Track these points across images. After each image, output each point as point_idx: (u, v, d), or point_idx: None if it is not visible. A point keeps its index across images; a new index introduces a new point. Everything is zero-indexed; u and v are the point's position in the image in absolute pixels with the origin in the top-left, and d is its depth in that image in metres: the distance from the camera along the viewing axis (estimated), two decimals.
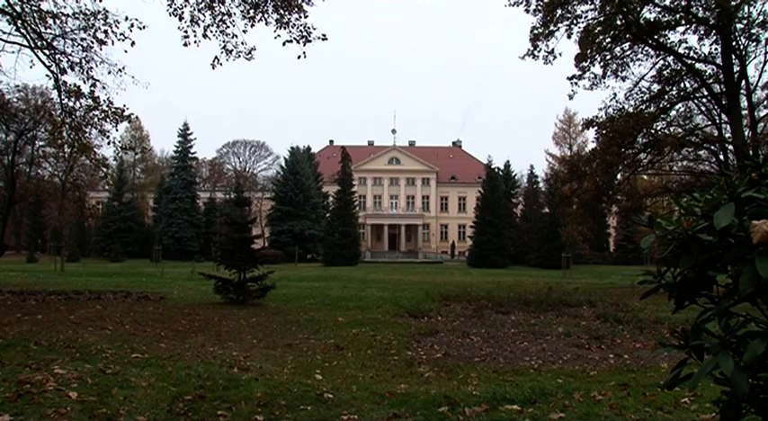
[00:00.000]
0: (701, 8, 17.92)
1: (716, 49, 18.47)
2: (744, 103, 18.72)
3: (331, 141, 73.50)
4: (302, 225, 47.72)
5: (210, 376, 4.95)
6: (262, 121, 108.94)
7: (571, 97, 19.73)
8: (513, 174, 54.21)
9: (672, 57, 19.23)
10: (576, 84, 19.43)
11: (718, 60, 18.31)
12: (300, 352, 6.79)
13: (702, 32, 18.51)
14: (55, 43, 11.88)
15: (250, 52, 11.47)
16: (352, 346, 7.20)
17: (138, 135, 53.05)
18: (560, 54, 18.66)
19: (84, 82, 12.01)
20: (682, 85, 19.74)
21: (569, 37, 18.62)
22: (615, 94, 20.45)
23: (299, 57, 10.88)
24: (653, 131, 19.41)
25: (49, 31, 11.77)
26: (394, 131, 68.40)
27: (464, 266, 42.97)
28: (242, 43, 11.41)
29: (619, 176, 21.11)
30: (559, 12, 17.98)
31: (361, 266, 40.73)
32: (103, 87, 12.08)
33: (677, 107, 20.39)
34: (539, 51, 18.57)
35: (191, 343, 7.14)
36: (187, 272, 23.92)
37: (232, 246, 12.81)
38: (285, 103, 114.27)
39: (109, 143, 12.72)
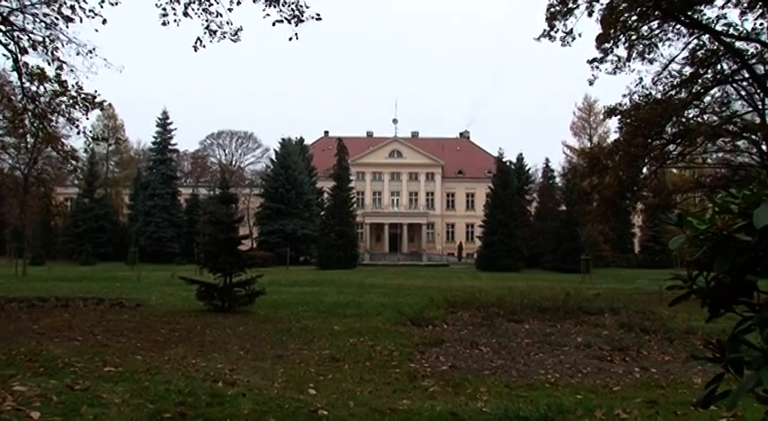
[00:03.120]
0: None
1: (761, 24, 17.78)
2: None
3: (326, 132, 73.47)
4: (294, 224, 47.73)
5: (192, 391, 4.93)
6: (250, 111, 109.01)
7: (591, 83, 19.65)
8: (527, 168, 54.18)
9: (708, 35, 18.69)
10: (596, 67, 19.31)
11: (764, 37, 17.81)
12: (292, 364, 6.78)
13: (746, 5, 17.84)
14: (12, 18, 11.49)
15: (236, 33, 11.38)
16: (349, 358, 7.18)
17: (111, 124, 52.90)
18: (579, 35, 18.51)
19: (49, 64, 11.69)
20: (718, 66, 19.23)
21: (590, 15, 18.42)
22: (641, 79, 20.00)
23: (290, 38, 10.79)
24: (684, 119, 19.17)
25: (4, 3, 11.38)
26: (395, 121, 68.42)
27: (472, 270, 42.96)
28: (227, 23, 11.31)
29: (645, 170, 21.01)
30: None
31: (359, 270, 40.71)
32: (71, 70, 11.74)
33: (712, 92, 19.97)
34: (555, 32, 18.47)
35: (170, 354, 7.13)
36: (167, 276, 23.91)
37: (217, 248, 12.78)
38: (276, 90, 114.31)
39: (78, 133, 12.45)
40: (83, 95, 11.80)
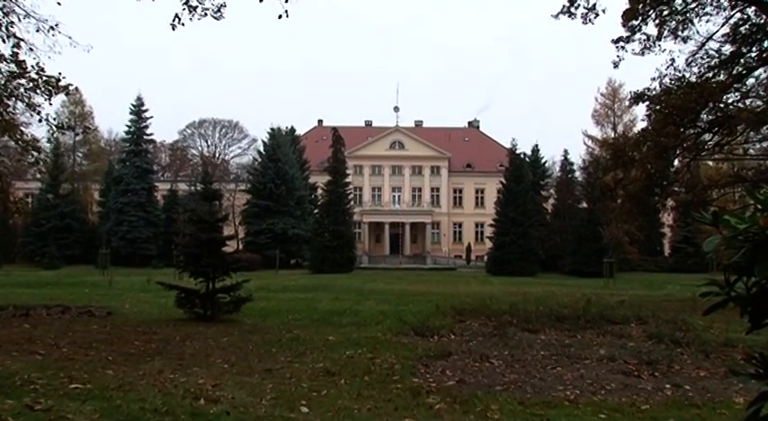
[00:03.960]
0: None
1: None
2: None
3: (320, 121, 73.44)
4: (284, 223, 47.75)
5: (170, 410, 4.92)
6: (235, 98, 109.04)
7: (616, 65, 19.53)
8: (543, 160, 54.18)
9: (753, 7, 18.22)
10: (622, 48, 19.19)
11: None
12: (282, 378, 6.78)
13: None
14: None
15: (219, 10, 11.31)
16: (345, 371, 7.18)
17: (78, 111, 52.72)
18: (603, 11, 18.31)
19: (4, 41, 11.38)
20: (765, 43, 18.78)
21: None
22: (673, 60, 19.67)
23: (279, 16, 10.76)
24: (722, 105, 18.85)
25: None
26: (397, 109, 68.48)
27: (482, 274, 42.98)
28: None
29: (676, 162, 20.93)
30: None
31: (357, 273, 40.73)
32: (31, 49, 11.45)
33: (757, 73, 19.47)
34: (576, 8, 18.38)
35: (146, 369, 7.12)
36: (142, 281, 23.90)
37: (198, 249, 12.77)
38: (264, 75, 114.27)
39: (40, 120, 12.15)
40: (45, 78, 11.55)
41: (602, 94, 50.81)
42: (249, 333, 10.46)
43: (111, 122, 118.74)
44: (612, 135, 44.78)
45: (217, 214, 14.11)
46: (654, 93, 19.18)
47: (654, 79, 19.53)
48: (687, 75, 19.23)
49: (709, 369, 7.72)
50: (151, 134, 51.77)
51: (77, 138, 53.53)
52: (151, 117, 50.69)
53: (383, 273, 42.52)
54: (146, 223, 47.80)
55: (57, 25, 11.43)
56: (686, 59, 19.44)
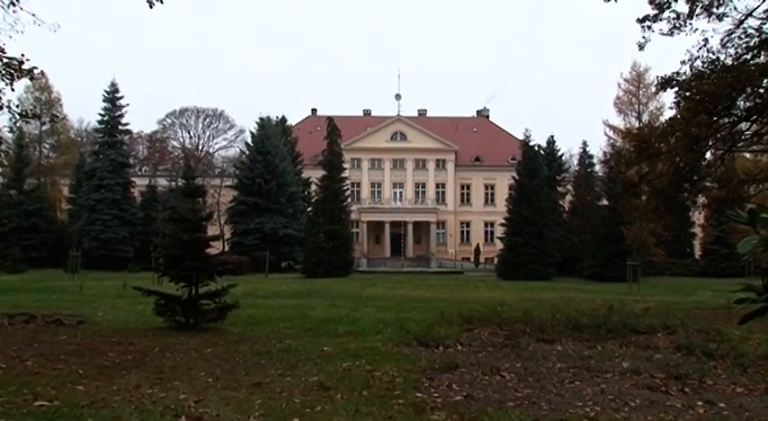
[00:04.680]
0: None
1: None
2: None
3: (314, 110, 73.47)
4: (275, 222, 47.77)
5: None
6: (220, 84, 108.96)
7: (642, 47, 19.38)
8: (560, 153, 54.20)
9: None
10: (649, 28, 19.04)
11: None
12: (272, 393, 6.76)
13: None
14: None
15: None
16: (341, 385, 7.17)
17: (45, 98, 52.64)
18: None
19: None
20: None
21: None
22: (706, 40, 19.34)
23: None
24: (762, 90, 18.59)
25: None
26: (398, 97, 68.59)
27: (492, 278, 42.98)
28: None
29: (708, 155, 20.86)
30: None
31: (355, 277, 40.74)
32: None
33: None
34: None
35: (121, 383, 7.10)
36: (117, 286, 23.89)
37: (179, 251, 12.76)
38: (252, 59, 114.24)
39: (1, 108, 12.22)
40: (5, 60, 11.46)
41: (625, 80, 50.74)
42: (236, 343, 10.44)
43: (82, 111, 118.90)
44: (637, 125, 44.69)
45: (200, 212, 14.09)
46: (684, 77, 19.02)
47: (684, 62, 19.30)
48: (722, 57, 18.92)
49: (747, 385, 7.67)
50: (127, 124, 51.78)
51: (44, 128, 53.29)
52: (127, 105, 50.75)
53: (383, 277, 42.50)
54: (121, 222, 47.81)
55: (18, 0, 11.33)
56: (721, 39, 19.08)
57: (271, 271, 42.23)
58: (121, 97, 50.28)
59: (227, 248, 50.49)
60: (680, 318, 13.83)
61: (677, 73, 19.15)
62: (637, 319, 13.12)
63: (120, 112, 50.37)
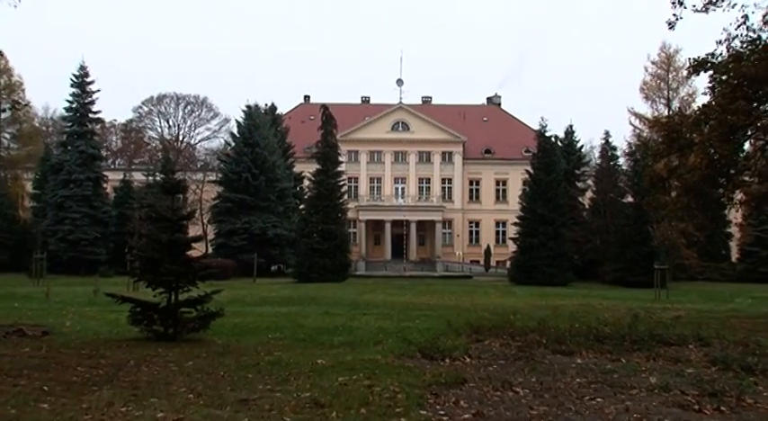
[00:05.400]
0: None
1: None
2: None
3: (306, 98, 73.56)
4: (263, 221, 47.82)
5: None
6: (202, 70, 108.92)
7: (672, 25, 19.23)
8: (579, 144, 54.29)
9: None
10: (680, 3, 18.81)
11: None
12: (260, 411, 6.76)
13: None
14: None
15: None
16: (337, 402, 7.17)
17: (4, 82, 52.61)
18: None
19: None
20: None
21: None
22: (746, 17, 19.09)
23: None
24: None
25: None
26: (400, 82, 68.41)
27: (504, 283, 43.02)
28: None
29: (747, 146, 20.79)
30: None
31: (352, 282, 40.76)
32: None
33: None
34: None
35: (91, 401, 7.08)
36: (87, 292, 23.90)
37: (158, 253, 12.76)
38: (237, 41, 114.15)
39: None
40: None
41: (653, 63, 50.75)
42: (220, 355, 10.45)
43: (48, 97, 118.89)
44: (666, 112, 44.75)
45: (180, 210, 14.08)
46: (719, 59, 18.91)
47: (720, 42, 19.14)
48: (764, 35, 18.70)
49: None
50: (98, 112, 51.79)
51: (4, 116, 53.43)
52: (98, 91, 50.68)
53: (383, 281, 42.52)
54: (92, 221, 47.84)
55: None
56: (763, 16, 18.71)
57: (259, 275, 42.23)
58: (92, 82, 50.25)
59: (210, 250, 50.52)
60: (715, 329, 13.83)
61: (712, 54, 19.03)
62: (666, 329, 13.11)
63: (90, 99, 50.31)
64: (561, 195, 44.62)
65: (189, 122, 68.91)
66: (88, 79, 49.97)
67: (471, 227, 65.98)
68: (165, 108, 68.65)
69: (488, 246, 60.37)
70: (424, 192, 65.52)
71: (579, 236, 45.40)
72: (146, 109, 68.95)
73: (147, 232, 16.36)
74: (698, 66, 19.40)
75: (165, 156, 57.32)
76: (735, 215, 45.85)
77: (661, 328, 13.22)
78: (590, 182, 51.82)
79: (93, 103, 50.49)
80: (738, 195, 23.95)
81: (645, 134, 46.62)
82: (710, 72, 19.12)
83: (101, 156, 54.11)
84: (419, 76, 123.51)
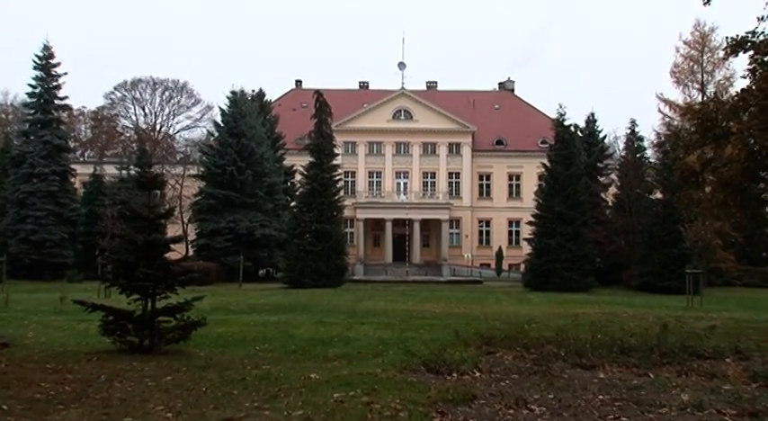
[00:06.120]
0: None
1: None
2: None
3: (298, 83, 73.62)
4: (250, 220, 47.83)
5: None
6: (183, 53, 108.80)
7: (707, 0, 19.31)
8: (602, 134, 54.18)
9: None
10: None
11: None
12: None
13: None
14: None
15: None
16: None
17: None
18: None
19: None
20: None
21: None
22: None
23: None
24: None
25: None
26: (402, 66, 68.28)
27: (518, 288, 43.00)
28: None
29: None
30: None
31: (349, 288, 40.77)
32: None
33: None
34: None
35: (57, 420, 7.07)
36: (53, 299, 23.85)
37: (132, 256, 12.79)
38: (220, 20, 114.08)
39: None
40: None
41: (685, 43, 50.51)
42: (202, 369, 10.46)
43: (8, 81, 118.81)
44: (699, 98, 44.65)
45: (158, 208, 14.06)
46: (761, 38, 18.90)
47: (761, 19, 19.01)
48: None
49: None
50: (65, 98, 51.71)
51: None
52: (65, 74, 50.62)
53: (383, 287, 42.52)
54: (58, 220, 47.85)
55: None
56: None
57: (245, 280, 42.24)
58: (58, 64, 50.20)
59: (191, 252, 50.53)
60: (755, 340, 13.82)
61: (752, 32, 18.96)
62: (699, 341, 13.11)
63: (55, 83, 50.26)
64: (581, 191, 44.57)
65: (167, 110, 69.04)
66: (53, 61, 49.96)
67: (481, 226, 66.01)
68: (141, 94, 68.74)
69: (500, 248, 60.42)
70: (429, 187, 65.51)
71: (602, 236, 45.39)
72: (118, 95, 69.03)
73: (120, 232, 16.38)
74: (736, 45, 19.35)
75: (141, 148, 57.31)
76: None
77: (694, 340, 13.22)
78: (614, 176, 51.78)
79: (58, 87, 50.46)
80: None
81: (676, 123, 46.59)
82: (750, 52, 19.05)
83: (68, 147, 54.09)
84: (423, 59, 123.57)
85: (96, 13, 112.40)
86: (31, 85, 49.98)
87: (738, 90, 21.45)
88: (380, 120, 65.92)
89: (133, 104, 69.12)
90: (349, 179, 62.17)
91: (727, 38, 19.95)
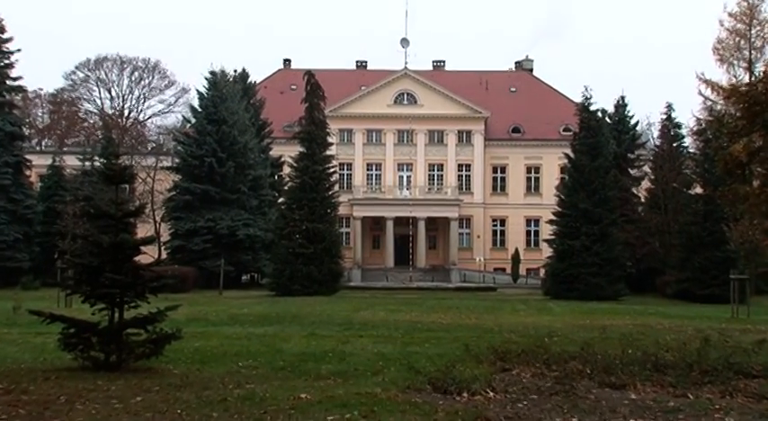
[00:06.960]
0: None
1: None
2: None
3: (287, 62, 73.57)
4: (232, 219, 47.88)
5: None
6: (154, 28, 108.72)
7: None
8: (633, 121, 54.16)
9: None
10: None
11: None
12: None
13: None
14: None
15: None
16: None
17: None
18: None
19: None
20: None
21: None
22: None
23: None
24: None
25: None
26: (406, 42, 68.11)
27: (537, 296, 43.06)
28: None
29: None
30: None
31: (345, 296, 40.84)
32: None
33: None
34: None
35: None
36: (6, 309, 23.85)
37: (97, 259, 12.77)
38: None
39: None
40: None
41: (730, 15, 50.36)
42: (177, 389, 10.46)
43: None
44: (746, 79, 44.54)
45: (126, 205, 14.04)
46: None
47: None
48: None
49: None
50: (19, 78, 51.66)
51: None
52: (18, 51, 50.39)
53: (384, 295, 42.60)
54: (11, 218, 47.80)
55: None
56: None
57: (226, 287, 42.27)
58: (9, 40, 49.95)
59: (164, 255, 50.53)
60: None
61: None
62: (746, 357, 13.07)
63: (7, 61, 50.11)
64: (610, 186, 44.59)
65: (136, 93, 69.18)
66: (4, 36, 49.76)
67: (495, 225, 66.00)
68: (106, 74, 68.84)
69: (516, 251, 60.42)
70: (436, 181, 65.55)
71: (633, 237, 45.34)
72: (81, 75, 69.13)
73: (83, 233, 16.39)
74: None
75: (107, 136, 57.34)
76: None
77: (740, 356, 13.17)
78: (647, 169, 51.80)
79: (11, 66, 50.31)
80: None
81: (719, 107, 46.39)
82: None
83: (22, 134, 54.08)
84: (429, 35, 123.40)
85: None
86: None
87: None
88: (380, 104, 65.85)
89: (98, 86, 69.28)
90: (345, 172, 62.17)
91: None
